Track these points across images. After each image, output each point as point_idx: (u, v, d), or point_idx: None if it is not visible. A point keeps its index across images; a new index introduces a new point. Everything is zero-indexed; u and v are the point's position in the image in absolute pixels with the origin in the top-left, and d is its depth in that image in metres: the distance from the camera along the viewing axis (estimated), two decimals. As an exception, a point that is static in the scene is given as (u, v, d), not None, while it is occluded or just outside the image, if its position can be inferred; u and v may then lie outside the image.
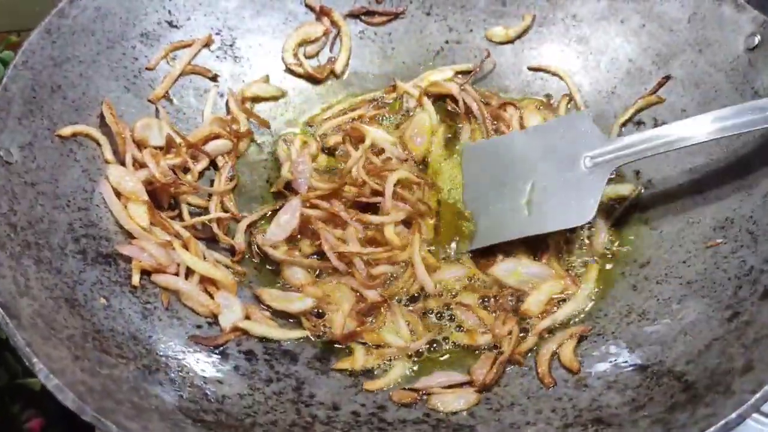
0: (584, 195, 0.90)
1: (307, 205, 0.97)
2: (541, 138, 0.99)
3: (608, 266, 0.94)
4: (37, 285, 0.74)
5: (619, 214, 0.99)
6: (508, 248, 0.96)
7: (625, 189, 1.00)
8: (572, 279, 0.92)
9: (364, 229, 0.96)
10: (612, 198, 1.00)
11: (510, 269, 0.92)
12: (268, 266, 0.96)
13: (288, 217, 0.95)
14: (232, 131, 1.06)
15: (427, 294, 0.92)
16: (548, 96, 1.13)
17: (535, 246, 0.96)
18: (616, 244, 0.96)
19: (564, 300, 0.91)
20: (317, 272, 0.95)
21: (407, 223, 0.98)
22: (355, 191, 0.98)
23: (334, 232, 0.95)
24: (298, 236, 0.96)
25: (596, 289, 0.92)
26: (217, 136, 1.04)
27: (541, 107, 1.11)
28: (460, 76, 1.15)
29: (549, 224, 0.93)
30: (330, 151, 1.09)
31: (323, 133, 1.10)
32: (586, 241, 0.97)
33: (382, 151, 1.06)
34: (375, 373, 0.86)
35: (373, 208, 0.99)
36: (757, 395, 0.61)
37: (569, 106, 1.10)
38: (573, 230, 0.97)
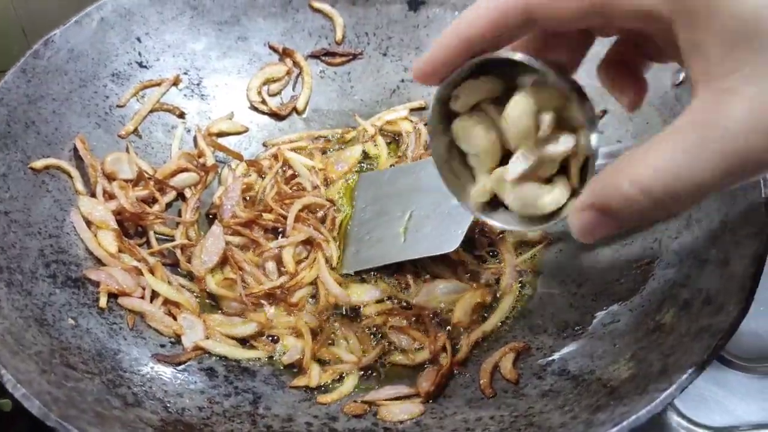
0: (454, 225, 0.97)
1: (229, 232, 1.03)
2: (422, 172, 1.07)
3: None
4: (8, 305, 0.79)
5: (528, 256, 1.05)
6: (417, 270, 1.02)
7: (534, 235, 1.07)
8: (487, 291, 0.98)
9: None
10: (522, 241, 1.07)
11: (428, 293, 0.98)
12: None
13: (213, 241, 1.01)
14: (199, 165, 1.12)
15: (362, 316, 0.98)
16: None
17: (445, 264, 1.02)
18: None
19: (488, 311, 0.98)
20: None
21: (311, 243, 1.04)
22: (272, 218, 1.04)
23: (253, 260, 1.01)
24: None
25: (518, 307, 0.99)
26: (184, 170, 1.10)
27: None
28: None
29: (421, 250, 0.99)
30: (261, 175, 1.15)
31: (258, 158, 1.17)
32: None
33: (294, 176, 1.12)
34: (328, 386, 0.91)
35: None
36: (665, 393, 0.67)
37: None
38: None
